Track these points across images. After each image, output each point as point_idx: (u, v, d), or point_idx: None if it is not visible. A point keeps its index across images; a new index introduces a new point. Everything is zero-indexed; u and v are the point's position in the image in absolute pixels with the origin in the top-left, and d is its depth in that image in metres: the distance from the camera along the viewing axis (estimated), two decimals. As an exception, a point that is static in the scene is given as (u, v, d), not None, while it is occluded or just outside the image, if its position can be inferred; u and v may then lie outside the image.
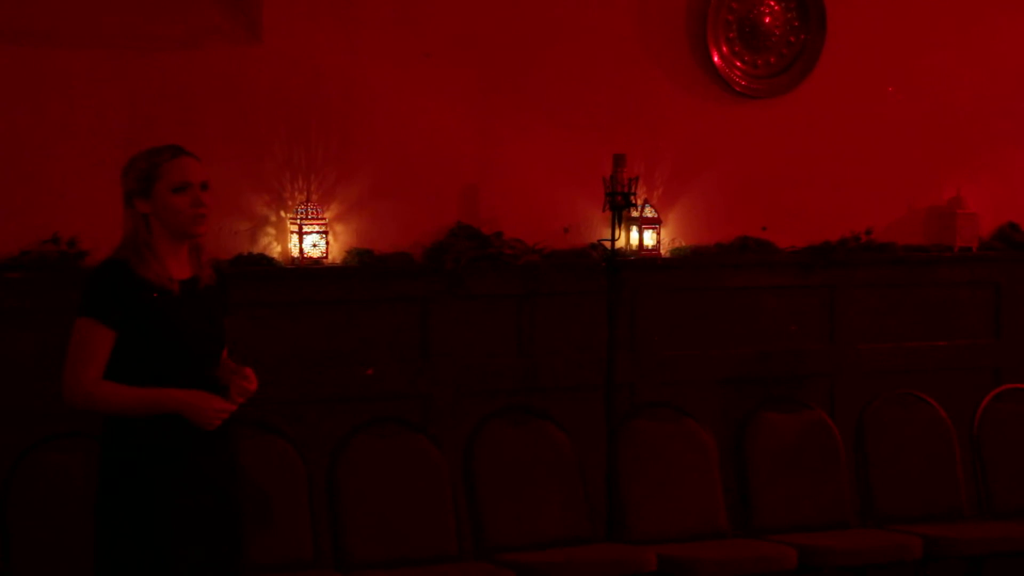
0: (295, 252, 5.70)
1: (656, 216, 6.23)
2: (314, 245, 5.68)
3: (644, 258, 6.18)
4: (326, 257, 5.72)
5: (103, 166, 5.37)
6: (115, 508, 3.96)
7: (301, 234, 5.68)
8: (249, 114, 5.69)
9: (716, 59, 6.36)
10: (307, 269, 5.69)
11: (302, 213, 5.70)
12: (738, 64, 6.42)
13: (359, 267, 5.79)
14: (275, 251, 5.75)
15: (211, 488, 4.03)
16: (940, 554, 5.63)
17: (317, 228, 5.69)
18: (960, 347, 6.66)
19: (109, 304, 3.93)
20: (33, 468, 4.93)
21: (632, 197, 5.91)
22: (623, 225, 6.06)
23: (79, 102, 5.45)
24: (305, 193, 5.77)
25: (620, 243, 6.04)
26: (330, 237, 5.75)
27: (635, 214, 6.15)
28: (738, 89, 6.42)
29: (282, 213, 5.76)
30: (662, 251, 6.24)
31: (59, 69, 5.44)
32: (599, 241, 6.10)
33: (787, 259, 6.44)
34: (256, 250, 5.71)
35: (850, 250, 6.50)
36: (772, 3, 6.45)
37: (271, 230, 5.76)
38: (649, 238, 6.20)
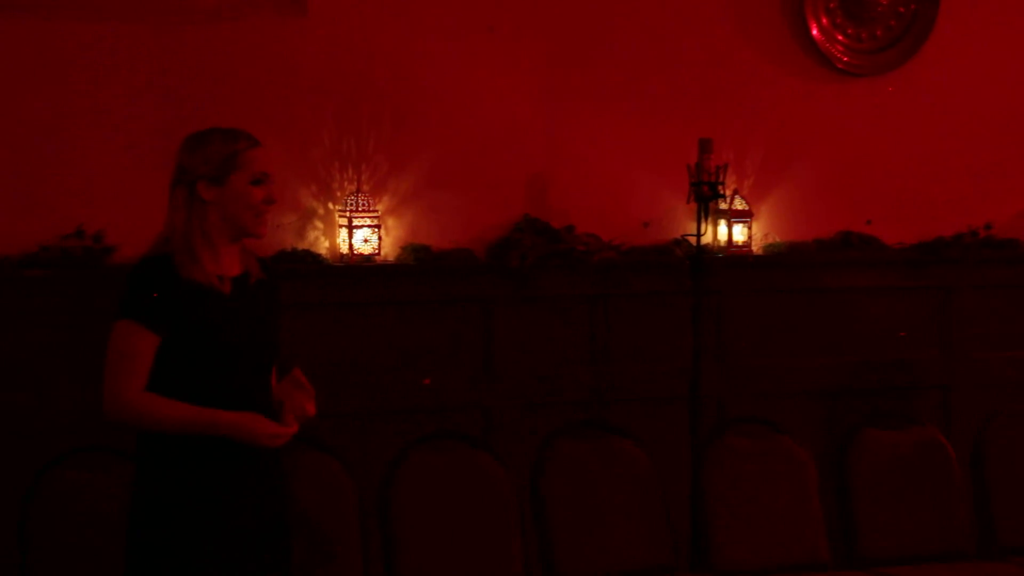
0: (344, 248, 5.70)
1: (747, 208, 6.19)
2: (365, 240, 5.68)
3: (733, 255, 6.16)
4: (378, 254, 5.72)
5: (132, 152, 5.46)
6: (149, 534, 3.93)
7: (351, 228, 5.67)
8: (293, 95, 5.69)
9: (815, 32, 6.33)
10: (357, 267, 5.68)
11: (352, 205, 5.69)
12: (839, 37, 6.38)
13: (415, 265, 5.78)
14: (322, 247, 5.75)
15: (258, 516, 4.00)
16: (1070, 590, 5.58)
17: (368, 222, 5.69)
18: (1093, 357, 6.61)
19: (152, 305, 3.89)
20: (56, 486, 4.89)
21: (720, 187, 5.85)
22: (710, 218, 6.01)
23: (105, 81, 5.45)
24: (355, 183, 5.76)
25: (707, 238, 5.98)
26: (382, 232, 5.74)
27: (723, 206, 6.12)
28: (839, 66, 6.38)
29: (330, 205, 5.76)
30: (754, 247, 6.22)
31: (83, 44, 5.44)
32: (683, 236, 6.07)
33: (895, 257, 6.40)
34: (302, 245, 5.72)
35: (967, 247, 6.47)
36: (879, -31, 6.52)
37: (319, 224, 5.76)
38: (739, 233, 6.18)
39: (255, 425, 3.93)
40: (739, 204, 6.17)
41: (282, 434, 3.97)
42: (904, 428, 5.89)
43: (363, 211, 5.68)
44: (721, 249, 6.15)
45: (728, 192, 6.05)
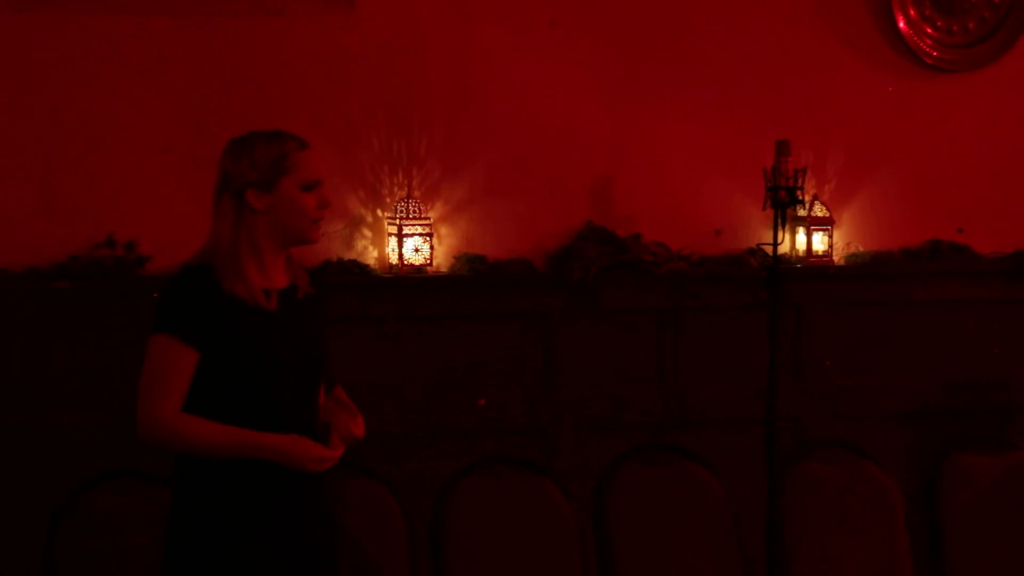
0: (394, 258, 5.66)
1: (827, 215, 6.13)
2: (416, 250, 5.64)
3: (813, 266, 6.10)
4: (430, 264, 5.68)
5: (167, 155, 5.44)
6: (186, 565, 3.93)
7: (401, 237, 5.63)
8: (340, 94, 5.65)
9: (902, 25, 6.26)
10: (408, 278, 5.65)
11: (402, 212, 5.65)
12: (928, 30, 6.31)
13: (469, 276, 5.74)
14: (371, 257, 5.71)
15: (302, 546, 3.99)
16: None
17: (420, 230, 5.65)
18: None
19: (191, 319, 3.89)
20: (85, 512, 4.95)
21: (799, 192, 5.73)
22: (788, 226, 5.96)
23: (139, 79, 5.42)
24: (406, 189, 5.73)
25: (784, 248, 5.90)
26: (435, 241, 5.71)
27: (802, 213, 6.07)
28: (929, 61, 6.32)
29: (379, 212, 5.72)
30: (835, 257, 6.16)
31: (116, 40, 5.41)
32: (758, 245, 6.01)
33: (989, 267, 6.32)
34: (349, 255, 5.68)
35: (1068, 256, 6.31)
36: (972, -45, 6.36)
37: (367, 232, 5.73)
38: (819, 242, 6.12)
39: (299, 448, 3.92)
40: (819, 210, 6.11)
41: (328, 457, 3.94)
42: (999, 453, 5.90)
43: (414, 218, 5.64)
44: (800, 259, 6.10)
45: (807, 198, 5.98)
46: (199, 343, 3.88)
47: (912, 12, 6.27)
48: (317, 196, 4.01)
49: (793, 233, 6.10)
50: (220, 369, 3.90)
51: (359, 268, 5.65)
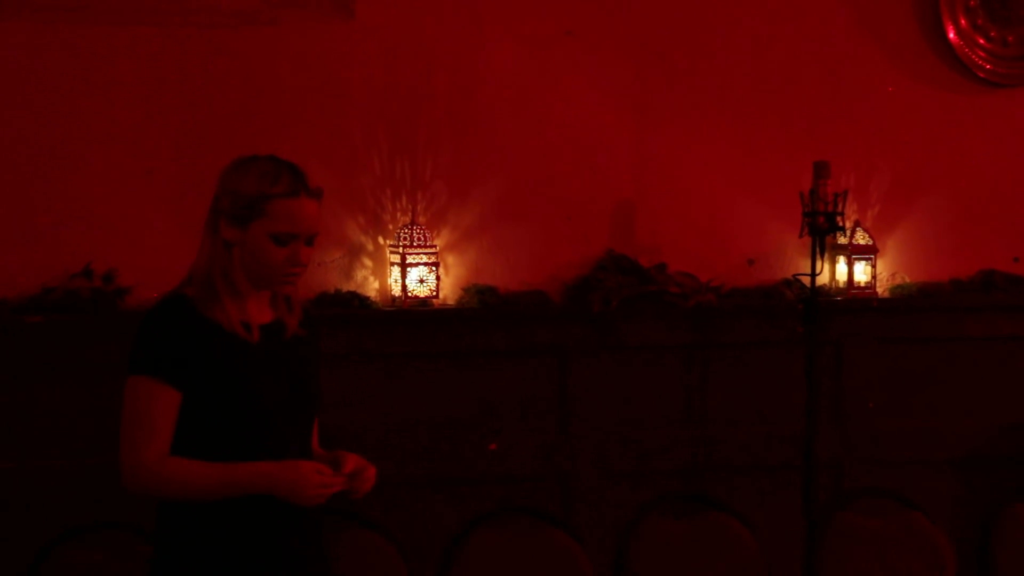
0: (396, 290, 5.65)
1: (870, 243, 6.11)
2: (421, 281, 5.64)
3: (854, 298, 6.08)
4: (436, 296, 5.67)
5: (151, 177, 5.46)
6: None
7: (404, 266, 5.63)
8: (339, 111, 5.65)
9: (952, 35, 6.27)
10: (412, 312, 5.64)
11: (406, 240, 5.64)
12: (981, 41, 6.31)
13: (479, 309, 5.75)
14: (372, 288, 5.70)
15: None
16: None
17: (425, 259, 5.65)
18: None
19: (171, 356, 3.82)
20: (59, 568, 4.88)
21: (839, 218, 5.74)
22: (827, 255, 5.94)
23: (121, 94, 5.43)
24: (410, 215, 5.73)
25: (823, 279, 5.90)
26: (441, 271, 5.70)
27: (843, 240, 6.06)
28: (981, 75, 6.31)
29: (381, 240, 5.72)
30: (878, 289, 6.16)
31: (96, 52, 5.42)
32: (795, 276, 5.98)
33: None
34: (348, 287, 5.67)
35: None
36: (1028, -41, 6.28)
37: (367, 261, 5.72)
38: (861, 272, 6.11)
39: (300, 473, 3.84)
40: (861, 238, 6.09)
41: (330, 483, 3.88)
42: (1060, 504, 5.69)
43: (419, 247, 5.63)
44: (840, 291, 6.09)
45: (848, 224, 5.97)
46: (180, 383, 3.81)
47: (963, 21, 6.28)
48: (289, 251, 3.90)
49: (833, 263, 6.10)
50: (203, 407, 3.82)
51: (359, 300, 5.64)
